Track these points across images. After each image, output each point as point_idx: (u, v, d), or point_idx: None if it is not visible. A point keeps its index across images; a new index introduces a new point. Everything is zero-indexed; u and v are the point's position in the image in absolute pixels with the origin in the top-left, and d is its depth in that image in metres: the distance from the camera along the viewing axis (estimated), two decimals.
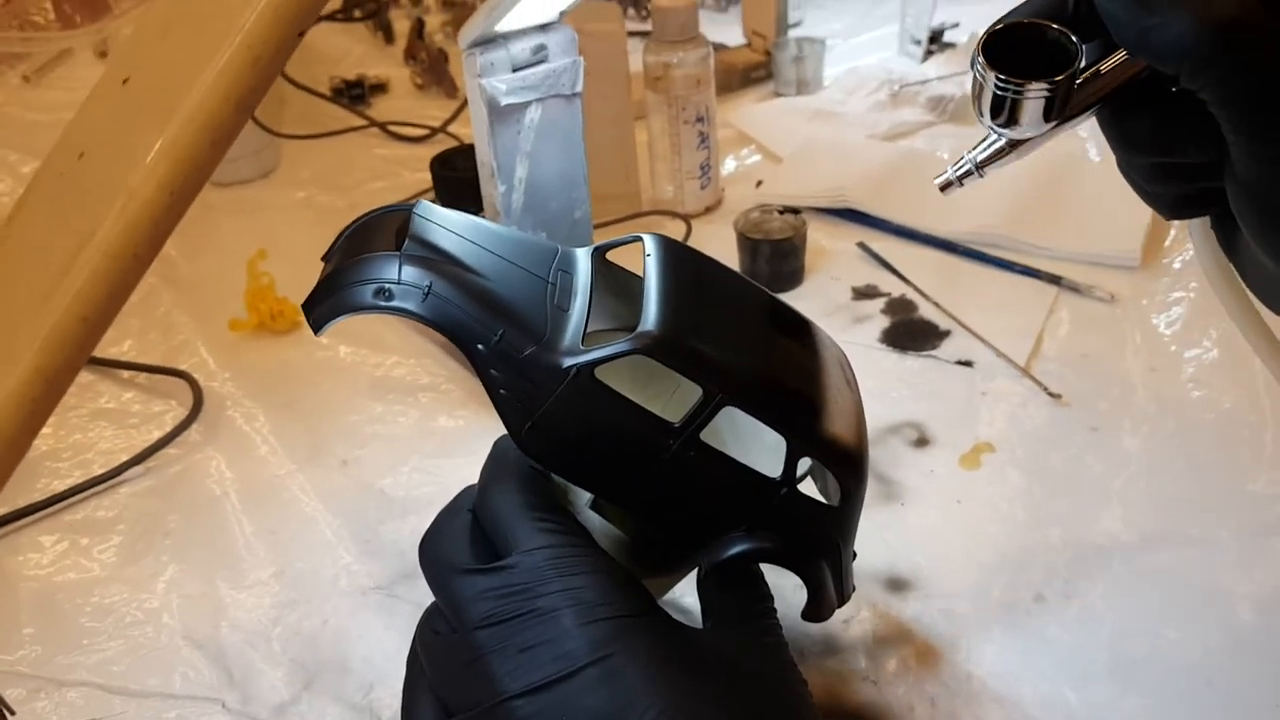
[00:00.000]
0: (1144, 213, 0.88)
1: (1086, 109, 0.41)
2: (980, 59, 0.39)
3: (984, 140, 0.44)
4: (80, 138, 0.34)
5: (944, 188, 0.46)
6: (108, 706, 0.56)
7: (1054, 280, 0.83)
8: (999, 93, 0.40)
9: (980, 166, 0.45)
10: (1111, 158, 0.43)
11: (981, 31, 0.40)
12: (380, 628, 0.59)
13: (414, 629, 0.46)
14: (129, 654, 0.59)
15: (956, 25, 1.28)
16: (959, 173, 0.45)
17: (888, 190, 0.95)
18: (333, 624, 0.59)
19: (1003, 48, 0.40)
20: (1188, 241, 0.86)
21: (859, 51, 1.30)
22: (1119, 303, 0.81)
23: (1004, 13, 0.41)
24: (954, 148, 1.06)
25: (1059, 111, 0.40)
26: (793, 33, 1.27)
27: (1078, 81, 0.40)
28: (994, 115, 0.41)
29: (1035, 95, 0.39)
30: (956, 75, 1.16)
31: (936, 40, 1.25)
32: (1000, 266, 0.86)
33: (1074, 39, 0.39)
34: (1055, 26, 0.39)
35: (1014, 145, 0.43)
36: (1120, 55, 0.40)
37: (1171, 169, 0.41)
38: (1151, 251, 0.86)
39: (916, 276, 0.85)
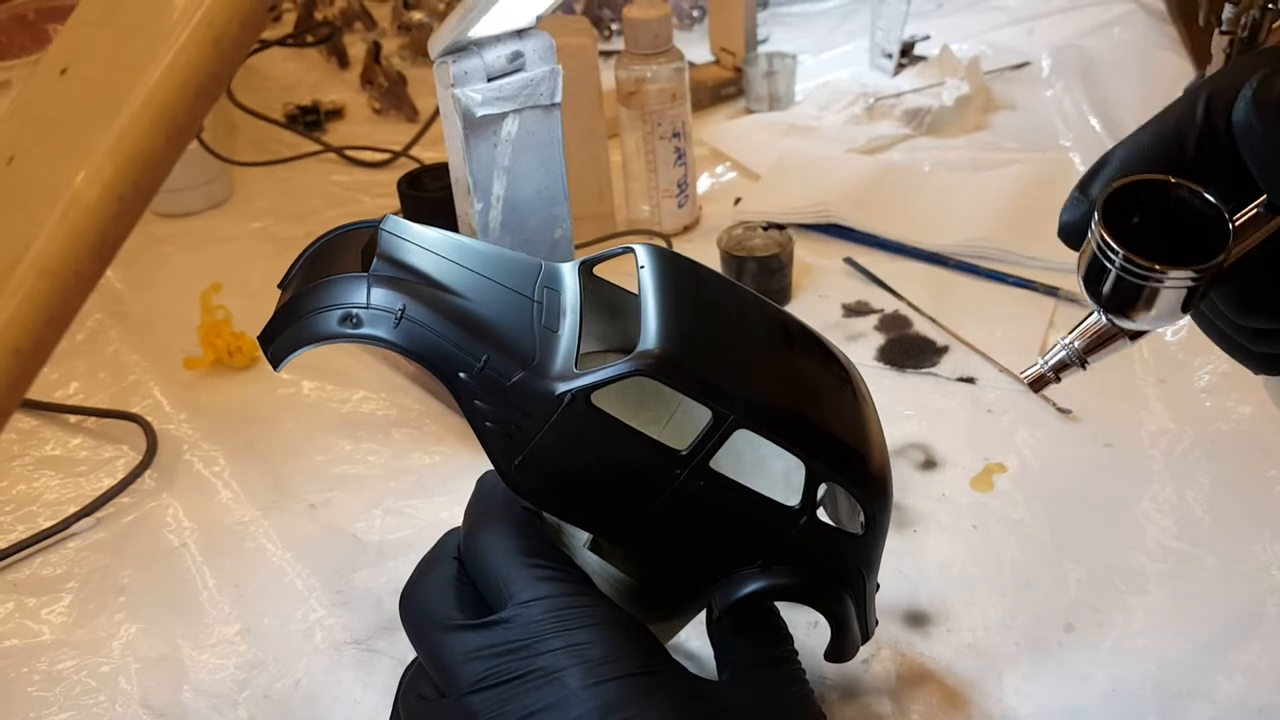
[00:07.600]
0: None
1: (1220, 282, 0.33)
2: (1100, 229, 0.31)
3: (1085, 322, 0.36)
4: (9, 140, 0.29)
5: (1036, 385, 0.38)
6: None
7: (1050, 291, 0.80)
8: (1127, 278, 0.31)
9: (1084, 356, 0.36)
10: None
11: (1099, 186, 0.33)
12: (359, 687, 0.54)
13: (395, 687, 0.42)
14: None
15: (927, 38, 1.26)
16: (1052, 364, 0.37)
17: (872, 204, 0.92)
18: (305, 685, 0.55)
19: (1120, 209, 0.31)
20: None
21: (828, 66, 1.28)
22: None
23: (1106, 150, 0.34)
24: (934, 159, 1.04)
25: (1198, 302, 0.32)
26: (761, 48, 1.25)
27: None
28: (1114, 304, 0.32)
29: (1175, 285, 0.31)
30: (931, 87, 1.14)
31: (908, 53, 1.23)
32: (994, 279, 0.83)
33: (1222, 207, 0.31)
34: (1192, 186, 0.31)
35: (1127, 333, 0.35)
36: (1255, 208, 0.32)
37: None
38: None
39: (908, 291, 0.82)
